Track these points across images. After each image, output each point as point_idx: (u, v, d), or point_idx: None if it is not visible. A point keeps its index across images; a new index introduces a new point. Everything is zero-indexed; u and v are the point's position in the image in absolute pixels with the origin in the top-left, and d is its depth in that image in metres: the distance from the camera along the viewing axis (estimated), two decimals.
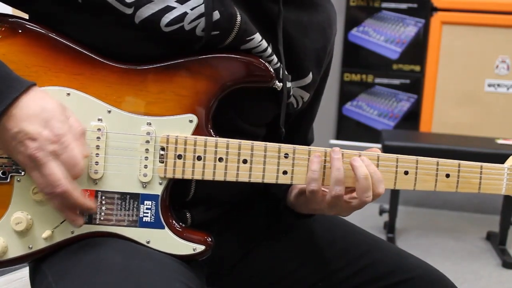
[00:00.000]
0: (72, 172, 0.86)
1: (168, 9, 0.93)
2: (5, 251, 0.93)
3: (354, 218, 1.06)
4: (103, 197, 0.94)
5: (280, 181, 0.96)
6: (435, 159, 1.01)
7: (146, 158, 0.94)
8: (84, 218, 0.93)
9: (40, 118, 0.85)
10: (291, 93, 1.07)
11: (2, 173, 0.93)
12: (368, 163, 0.96)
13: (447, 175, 1.01)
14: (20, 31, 0.93)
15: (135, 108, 0.94)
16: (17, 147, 0.85)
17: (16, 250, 0.94)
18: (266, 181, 0.96)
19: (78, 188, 0.88)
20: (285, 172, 0.96)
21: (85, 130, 0.90)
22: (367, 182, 0.95)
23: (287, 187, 1.11)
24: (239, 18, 0.96)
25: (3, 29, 0.93)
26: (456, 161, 1.02)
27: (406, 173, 1.00)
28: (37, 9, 0.96)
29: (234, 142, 0.95)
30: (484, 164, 1.03)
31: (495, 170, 1.03)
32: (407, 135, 3.42)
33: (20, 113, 0.84)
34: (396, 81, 3.91)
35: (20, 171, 0.92)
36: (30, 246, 0.94)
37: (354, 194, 0.97)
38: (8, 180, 0.93)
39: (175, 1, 0.93)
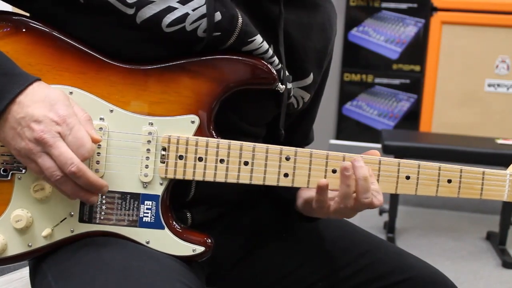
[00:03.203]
0: (79, 153, 0.84)
1: (170, 9, 0.93)
2: (5, 248, 0.93)
3: (354, 218, 1.06)
4: (104, 197, 0.94)
5: (281, 184, 0.96)
6: (437, 164, 1.00)
7: (147, 158, 0.94)
8: (85, 216, 0.94)
9: (44, 103, 0.85)
10: (291, 94, 1.07)
11: (3, 171, 0.93)
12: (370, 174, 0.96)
13: (449, 181, 1.00)
14: (24, 29, 0.94)
15: (137, 108, 0.94)
16: (23, 132, 0.84)
17: (15, 247, 0.94)
18: (267, 183, 0.96)
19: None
20: (286, 175, 0.96)
21: (90, 117, 0.90)
22: (366, 184, 0.95)
23: (296, 190, 1.11)
24: (240, 20, 0.96)
25: (7, 27, 0.93)
26: (458, 167, 1.01)
27: (407, 178, 0.99)
28: (38, 8, 0.96)
29: (235, 143, 0.95)
30: (486, 170, 1.02)
31: (497, 176, 1.02)
32: (407, 135, 3.42)
33: (25, 99, 0.85)
34: (396, 81, 3.91)
35: (21, 168, 0.93)
36: (30, 244, 0.94)
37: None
38: (9, 178, 0.93)
39: (177, 2, 0.93)
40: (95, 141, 0.87)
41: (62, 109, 0.85)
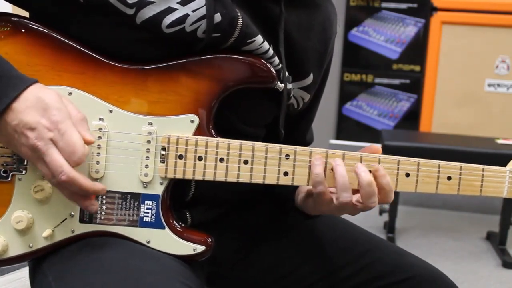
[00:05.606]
0: (71, 159, 0.84)
1: (170, 10, 0.93)
2: (6, 249, 0.93)
3: (354, 218, 1.06)
4: (104, 197, 0.94)
5: (281, 182, 0.96)
6: (436, 162, 1.00)
7: (147, 158, 0.94)
8: (86, 217, 0.94)
9: (37, 108, 0.85)
10: (291, 95, 1.07)
11: (4, 172, 0.93)
12: (382, 174, 0.96)
13: (449, 178, 1.00)
14: (23, 30, 0.94)
15: (136, 108, 0.95)
16: (19, 139, 0.85)
17: (16, 248, 0.94)
18: (267, 182, 0.96)
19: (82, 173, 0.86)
20: (286, 173, 0.96)
21: (85, 116, 0.89)
22: (371, 189, 0.95)
23: (294, 187, 1.10)
24: (240, 21, 0.96)
25: (6, 28, 0.93)
26: (457, 164, 1.01)
27: (407, 175, 0.99)
28: (38, 8, 0.96)
29: (235, 142, 0.95)
30: (486, 167, 1.02)
31: (497, 173, 1.02)
32: (407, 135, 3.42)
33: (18, 106, 0.85)
34: (396, 81, 3.91)
35: (21, 169, 0.93)
36: (31, 245, 0.94)
37: (360, 198, 0.97)
38: (9, 179, 0.93)
39: (177, 3, 0.93)
40: (88, 143, 0.86)
41: (55, 114, 0.85)
